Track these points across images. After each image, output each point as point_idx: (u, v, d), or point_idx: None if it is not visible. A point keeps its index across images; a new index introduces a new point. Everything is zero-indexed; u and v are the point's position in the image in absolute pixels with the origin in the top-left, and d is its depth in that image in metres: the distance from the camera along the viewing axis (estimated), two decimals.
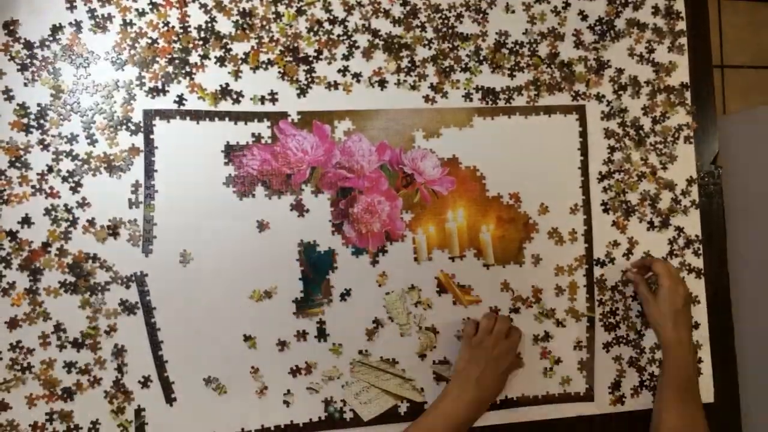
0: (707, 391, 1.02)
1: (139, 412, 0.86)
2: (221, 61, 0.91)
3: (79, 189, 0.86)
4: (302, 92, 0.93)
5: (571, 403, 0.98)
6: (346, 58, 0.94)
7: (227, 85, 0.91)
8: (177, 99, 0.89)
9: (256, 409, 0.89)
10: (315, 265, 0.92)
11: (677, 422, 0.88)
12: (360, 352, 0.93)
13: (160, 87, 0.89)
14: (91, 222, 0.86)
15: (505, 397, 0.96)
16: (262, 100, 0.91)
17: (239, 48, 0.91)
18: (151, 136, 0.88)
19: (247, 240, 0.90)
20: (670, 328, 0.91)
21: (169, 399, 0.87)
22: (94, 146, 0.87)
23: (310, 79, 0.93)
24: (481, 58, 0.98)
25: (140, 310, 0.87)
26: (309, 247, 0.92)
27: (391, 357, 0.94)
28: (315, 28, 0.94)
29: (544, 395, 0.97)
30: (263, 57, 0.92)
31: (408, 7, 0.96)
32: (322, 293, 0.92)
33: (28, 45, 0.86)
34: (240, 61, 0.91)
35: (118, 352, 0.86)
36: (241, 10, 0.91)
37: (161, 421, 0.87)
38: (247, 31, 0.92)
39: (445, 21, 0.97)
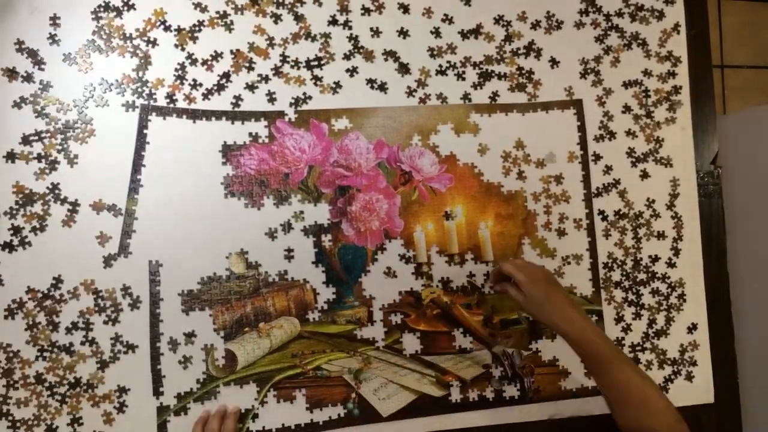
0: (707, 392, 1.02)
1: (161, 410, 0.86)
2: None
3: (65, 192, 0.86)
4: (297, 103, 0.93)
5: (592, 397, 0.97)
6: (347, 57, 0.95)
7: (221, 83, 0.91)
8: (167, 95, 0.89)
9: (276, 409, 0.89)
10: (348, 267, 0.92)
11: (650, 385, 0.78)
12: (377, 348, 0.93)
13: (156, 90, 0.89)
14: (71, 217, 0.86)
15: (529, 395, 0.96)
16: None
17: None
18: (145, 131, 0.88)
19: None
20: (556, 318, 0.82)
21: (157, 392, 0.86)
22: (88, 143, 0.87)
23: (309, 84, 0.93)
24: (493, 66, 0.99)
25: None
26: (343, 248, 0.92)
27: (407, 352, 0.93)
28: (313, 34, 0.94)
29: (564, 390, 0.97)
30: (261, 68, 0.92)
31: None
32: (354, 295, 0.92)
33: (32, 53, 0.86)
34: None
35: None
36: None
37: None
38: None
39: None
